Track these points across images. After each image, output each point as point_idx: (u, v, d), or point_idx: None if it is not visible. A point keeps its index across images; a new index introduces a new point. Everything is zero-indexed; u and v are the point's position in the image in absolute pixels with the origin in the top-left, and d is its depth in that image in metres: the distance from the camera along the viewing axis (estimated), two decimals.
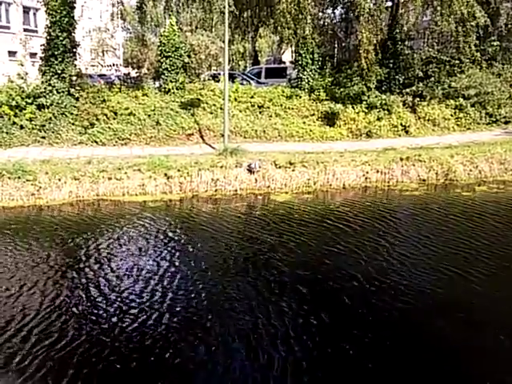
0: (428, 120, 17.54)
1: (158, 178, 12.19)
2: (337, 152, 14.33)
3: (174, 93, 17.03)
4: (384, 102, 16.92)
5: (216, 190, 12.38)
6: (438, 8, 16.47)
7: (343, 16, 20.30)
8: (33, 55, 18.96)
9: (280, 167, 12.82)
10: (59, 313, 6.37)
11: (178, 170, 12.31)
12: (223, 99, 14.69)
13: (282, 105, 17.24)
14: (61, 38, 15.20)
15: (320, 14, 19.14)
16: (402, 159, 13.52)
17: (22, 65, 15.84)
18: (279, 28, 17.20)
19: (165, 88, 17.18)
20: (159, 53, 17.47)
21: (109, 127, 15.44)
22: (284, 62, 36.22)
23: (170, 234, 9.53)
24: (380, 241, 8.94)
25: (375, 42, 16.39)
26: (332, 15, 20.94)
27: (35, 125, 15.08)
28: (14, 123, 14.93)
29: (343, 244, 8.78)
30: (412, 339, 5.77)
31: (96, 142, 15.16)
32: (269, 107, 17.09)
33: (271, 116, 16.97)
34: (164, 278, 7.42)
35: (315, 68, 17.99)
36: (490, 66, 18.73)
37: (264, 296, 6.84)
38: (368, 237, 9.13)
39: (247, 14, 23.89)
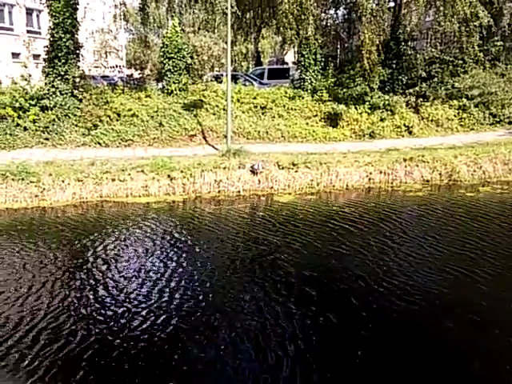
0: (431, 120, 17.50)
1: (161, 179, 12.19)
2: (340, 153, 14.30)
3: (176, 94, 17.05)
4: (387, 102, 16.89)
5: (219, 191, 12.37)
6: (441, 8, 16.48)
7: (346, 16, 20.34)
8: (36, 57, 18.98)
9: (283, 168, 12.81)
10: (68, 314, 6.38)
11: (181, 172, 12.31)
12: (226, 100, 14.70)
13: (284, 106, 17.23)
14: (64, 40, 15.24)
15: (322, 14, 19.20)
16: (405, 160, 13.49)
17: (26, 66, 15.87)
18: (282, 29, 17.25)
19: (168, 89, 17.21)
20: (162, 54, 17.51)
21: (112, 128, 15.46)
22: (287, 63, 36.26)
23: (176, 235, 9.52)
24: (385, 241, 8.92)
25: (378, 42, 16.39)
26: (334, 16, 21.01)
27: (39, 126, 15.11)
28: (18, 125, 14.97)
29: (348, 244, 8.76)
30: (419, 339, 5.76)
31: (99, 143, 15.18)
32: (271, 108, 17.09)
33: (274, 117, 16.95)
34: (171, 279, 7.43)
35: (318, 69, 17.98)
36: (494, 66, 18.69)
37: (271, 296, 6.82)
38: (373, 237, 9.10)
39: (250, 15, 23.94)
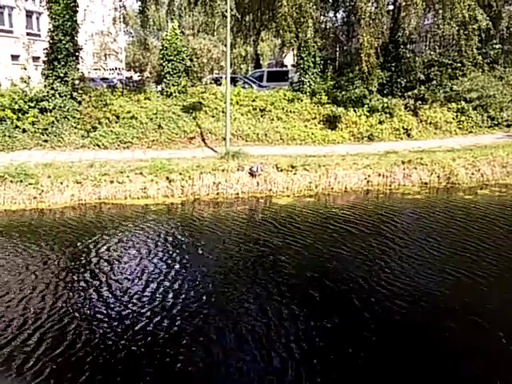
0: (430, 123, 17.55)
1: (159, 181, 12.18)
2: (338, 155, 14.32)
3: (176, 96, 17.06)
4: (386, 105, 16.93)
5: (218, 194, 12.37)
6: (440, 11, 16.51)
7: (345, 19, 20.40)
8: (35, 59, 19.02)
9: (282, 170, 12.81)
10: (72, 315, 6.37)
11: (180, 174, 12.30)
12: (225, 103, 14.70)
13: (283, 108, 17.25)
14: (63, 42, 15.23)
15: (322, 17, 19.24)
16: (403, 162, 13.51)
17: (25, 68, 15.85)
18: (281, 31, 17.26)
19: (167, 91, 17.23)
20: (161, 56, 17.53)
21: (111, 131, 15.46)
22: (286, 66, 36.38)
23: (176, 237, 9.52)
24: (385, 243, 8.93)
25: (377, 45, 16.41)
26: (334, 19, 21.06)
27: (38, 128, 15.10)
28: (17, 127, 14.96)
29: (349, 246, 8.78)
30: (421, 340, 5.77)
31: (98, 145, 15.16)
32: (270, 110, 17.11)
33: (273, 119, 16.97)
34: (174, 280, 7.42)
35: (317, 71, 18.02)
36: (492, 69, 18.75)
37: (274, 298, 6.82)
38: (373, 239, 9.12)
39: (249, 18, 23.98)
